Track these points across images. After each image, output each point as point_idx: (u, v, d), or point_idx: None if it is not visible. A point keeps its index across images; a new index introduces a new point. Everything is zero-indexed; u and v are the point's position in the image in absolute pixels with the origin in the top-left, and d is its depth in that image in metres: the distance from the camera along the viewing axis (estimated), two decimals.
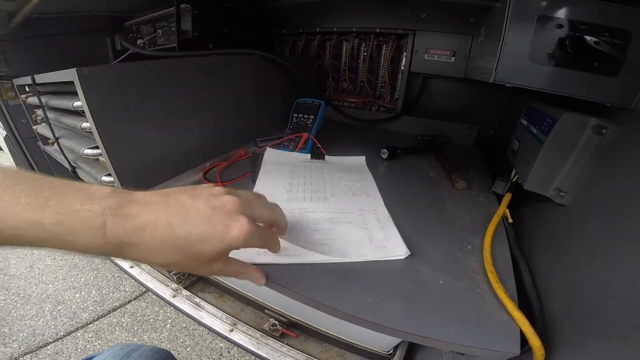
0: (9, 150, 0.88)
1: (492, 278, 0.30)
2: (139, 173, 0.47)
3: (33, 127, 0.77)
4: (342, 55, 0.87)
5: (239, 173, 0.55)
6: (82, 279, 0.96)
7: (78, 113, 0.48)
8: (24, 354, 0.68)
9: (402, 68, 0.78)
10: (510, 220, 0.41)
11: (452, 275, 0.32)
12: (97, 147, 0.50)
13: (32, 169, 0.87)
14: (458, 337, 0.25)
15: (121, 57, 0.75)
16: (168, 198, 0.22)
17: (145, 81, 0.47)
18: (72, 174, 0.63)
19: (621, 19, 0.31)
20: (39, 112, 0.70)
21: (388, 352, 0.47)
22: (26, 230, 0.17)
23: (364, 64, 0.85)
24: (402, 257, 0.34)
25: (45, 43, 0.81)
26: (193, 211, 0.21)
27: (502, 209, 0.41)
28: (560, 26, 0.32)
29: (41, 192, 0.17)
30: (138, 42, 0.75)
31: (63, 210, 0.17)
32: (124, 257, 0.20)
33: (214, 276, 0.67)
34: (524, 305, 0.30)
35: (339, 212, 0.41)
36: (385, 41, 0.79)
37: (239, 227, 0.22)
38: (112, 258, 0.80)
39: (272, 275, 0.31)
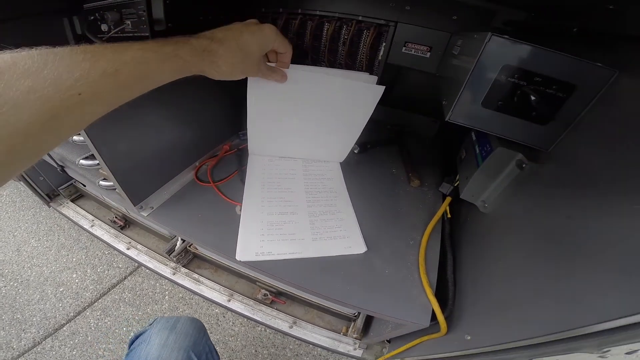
0: None
1: (422, 270, 0.46)
2: (137, 179, 0.54)
3: None
4: (323, 37, 0.90)
5: (227, 170, 0.65)
6: (74, 259, 1.07)
7: None
8: (45, 338, 0.81)
9: (380, 58, 0.84)
10: (449, 215, 0.57)
11: (395, 266, 0.47)
12: (92, 157, 0.57)
13: None
14: (391, 311, 0.42)
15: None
16: (224, 27, 0.37)
17: None
18: (61, 172, 0.70)
19: (570, 72, 0.38)
20: None
21: (354, 314, 0.67)
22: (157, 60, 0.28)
23: (343, 47, 0.90)
24: (362, 252, 0.49)
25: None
26: (239, 29, 0.37)
27: (441, 211, 0.56)
28: (518, 77, 0.39)
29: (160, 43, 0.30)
30: (102, 27, 0.74)
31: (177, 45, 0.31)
32: (208, 63, 0.35)
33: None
34: (445, 288, 0.47)
35: (317, 215, 0.55)
36: (366, 27, 0.84)
37: (269, 27, 0.39)
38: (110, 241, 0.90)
39: (269, 269, 0.45)
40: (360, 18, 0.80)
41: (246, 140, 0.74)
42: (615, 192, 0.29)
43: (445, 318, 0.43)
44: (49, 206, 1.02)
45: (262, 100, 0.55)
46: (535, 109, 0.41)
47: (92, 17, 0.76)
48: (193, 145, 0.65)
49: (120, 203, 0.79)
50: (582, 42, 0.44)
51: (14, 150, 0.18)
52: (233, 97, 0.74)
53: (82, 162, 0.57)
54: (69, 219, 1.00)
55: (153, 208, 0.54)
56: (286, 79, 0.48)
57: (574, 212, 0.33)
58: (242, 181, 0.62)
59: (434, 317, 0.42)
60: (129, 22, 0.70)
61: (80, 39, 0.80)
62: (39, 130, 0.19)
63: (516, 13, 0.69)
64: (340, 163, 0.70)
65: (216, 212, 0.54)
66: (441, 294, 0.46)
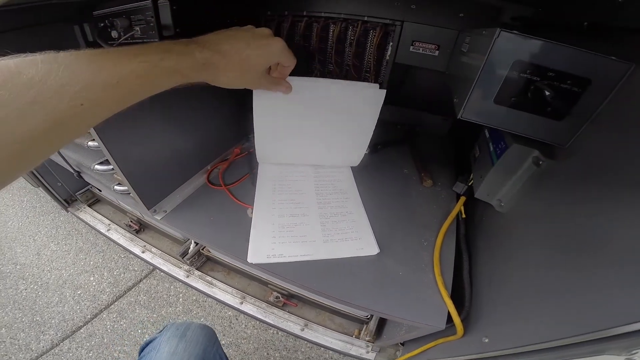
0: None
1: (437, 271, 0.45)
2: (150, 183, 0.55)
3: None
4: (329, 39, 0.90)
5: (238, 173, 0.66)
6: (92, 262, 1.10)
7: None
8: (62, 340, 0.83)
9: (388, 58, 0.84)
10: (464, 216, 0.56)
11: (409, 268, 0.47)
12: (107, 162, 0.59)
13: None
14: (405, 313, 0.41)
15: None
16: (231, 35, 0.36)
17: (145, 100, 0.54)
18: (78, 178, 0.72)
19: (584, 67, 0.37)
20: None
21: (366, 316, 0.66)
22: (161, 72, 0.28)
23: (350, 49, 0.90)
24: (374, 254, 0.49)
25: (11, 37, 0.81)
26: (246, 40, 0.36)
27: (456, 211, 0.55)
28: (530, 72, 0.39)
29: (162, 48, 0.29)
30: (112, 34, 0.77)
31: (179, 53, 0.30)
32: (207, 75, 0.34)
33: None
34: (461, 290, 0.46)
35: (328, 216, 0.55)
36: (372, 27, 0.83)
37: (277, 42, 0.38)
38: (127, 247, 0.93)
39: (281, 271, 0.46)
40: (365, 18, 0.80)
41: None
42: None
43: (462, 320, 0.42)
44: (67, 211, 1.06)
45: (267, 111, 0.56)
46: (550, 104, 0.40)
47: (102, 24, 0.79)
48: (204, 149, 0.67)
49: (135, 207, 0.81)
50: (594, 36, 0.43)
51: (17, 157, 0.19)
52: (242, 100, 0.75)
53: (97, 167, 0.58)
54: (86, 223, 1.03)
55: (166, 212, 0.55)
56: (291, 90, 0.48)
57: (596, 209, 0.31)
58: (253, 184, 0.63)
59: (449, 319, 0.41)
60: (138, 29, 0.71)
61: (92, 46, 0.83)
62: (42, 137, 0.20)
63: (523, 9, 0.68)
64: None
65: (228, 215, 0.55)
66: (457, 295, 0.45)
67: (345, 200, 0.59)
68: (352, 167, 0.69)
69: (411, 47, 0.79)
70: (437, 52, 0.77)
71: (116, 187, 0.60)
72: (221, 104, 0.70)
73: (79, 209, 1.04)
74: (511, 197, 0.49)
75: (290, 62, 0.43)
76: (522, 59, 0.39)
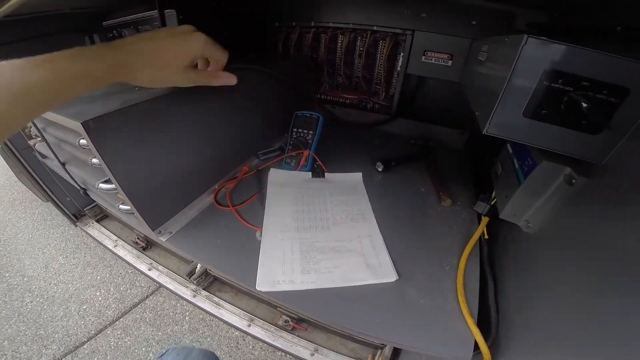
0: (5, 160, 0.93)
1: (461, 298, 0.41)
2: (155, 203, 0.53)
3: (28, 141, 0.81)
4: (337, 50, 0.89)
5: (247, 193, 0.63)
6: (98, 277, 1.09)
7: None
8: (65, 355, 0.82)
9: (399, 69, 0.81)
10: (487, 237, 0.52)
11: (430, 294, 0.43)
12: (110, 181, 0.56)
13: (32, 177, 0.94)
14: (428, 344, 0.37)
15: None
16: (147, 36, 0.36)
17: (149, 117, 0.52)
18: (84, 195, 0.71)
19: (622, 75, 0.33)
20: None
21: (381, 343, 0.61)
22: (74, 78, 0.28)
23: (359, 60, 0.88)
24: (392, 280, 0.45)
25: (23, 47, 0.82)
26: (163, 39, 0.36)
27: (479, 232, 0.51)
28: (562, 82, 0.35)
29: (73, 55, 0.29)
30: None
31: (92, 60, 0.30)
32: (125, 76, 0.33)
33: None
34: (487, 315, 0.42)
35: (341, 240, 0.51)
36: (382, 37, 0.81)
37: (197, 37, 0.38)
38: (133, 263, 0.91)
39: (291, 299, 0.42)
40: (374, 28, 0.78)
41: (265, 160, 0.72)
42: None
43: (489, 347, 0.37)
44: (76, 226, 1.05)
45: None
46: (587, 116, 0.36)
47: (110, 35, 0.79)
48: (211, 168, 0.64)
49: (139, 227, 0.79)
50: (629, 40, 0.39)
51: None
52: (249, 116, 0.73)
53: (102, 185, 0.56)
54: (94, 238, 1.02)
55: (172, 233, 0.53)
56: (235, 80, 0.46)
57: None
58: (262, 205, 0.59)
59: (474, 347, 0.37)
60: None
61: None
62: None
63: (538, 15, 0.65)
64: (364, 182, 0.66)
65: (236, 238, 0.52)
66: (482, 321, 0.41)
67: (360, 222, 0.56)
68: (365, 185, 0.66)
69: (423, 57, 0.76)
70: (450, 61, 0.74)
71: (121, 207, 0.58)
72: (229, 119, 0.67)
73: (87, 224, 1.03)
74: (540, 218, 0.44)
75: (218, 56, 0.42)
76: (553, 67, 0.35)
